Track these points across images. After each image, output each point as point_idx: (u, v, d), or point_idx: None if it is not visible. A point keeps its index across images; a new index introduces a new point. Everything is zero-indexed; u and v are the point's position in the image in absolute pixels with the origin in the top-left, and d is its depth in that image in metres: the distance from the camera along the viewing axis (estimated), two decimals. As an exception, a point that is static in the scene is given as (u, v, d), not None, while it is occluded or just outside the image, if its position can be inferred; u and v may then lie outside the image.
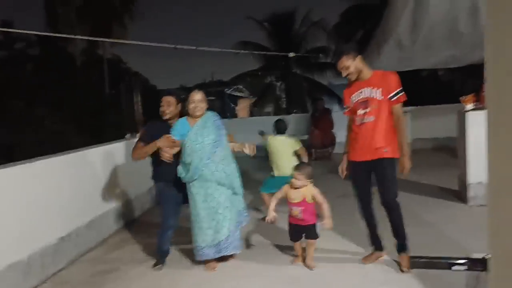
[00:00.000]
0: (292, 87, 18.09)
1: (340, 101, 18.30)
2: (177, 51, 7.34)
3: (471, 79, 11.04)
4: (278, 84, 19.49)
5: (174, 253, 3.80)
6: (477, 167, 4.44)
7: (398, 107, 2.98)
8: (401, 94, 2.97)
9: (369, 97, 3.00)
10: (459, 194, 4.92)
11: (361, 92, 3.05)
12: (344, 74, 3.05)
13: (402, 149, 2.96)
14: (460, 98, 4.87)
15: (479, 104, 4.74)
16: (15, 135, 12.73)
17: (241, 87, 26.21)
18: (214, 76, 26.58)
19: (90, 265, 3.69)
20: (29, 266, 3.20)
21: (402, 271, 3.03)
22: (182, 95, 3.72)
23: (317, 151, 8.68)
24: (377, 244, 3.27)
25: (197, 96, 3.29)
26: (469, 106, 4.70)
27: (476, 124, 4.44)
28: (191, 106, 3.27)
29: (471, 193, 4.56)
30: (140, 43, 7.84)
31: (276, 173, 4.48)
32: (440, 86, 14.18)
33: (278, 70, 18.54)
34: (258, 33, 18.27)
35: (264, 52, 16.97)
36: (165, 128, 3.37)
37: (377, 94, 2.97)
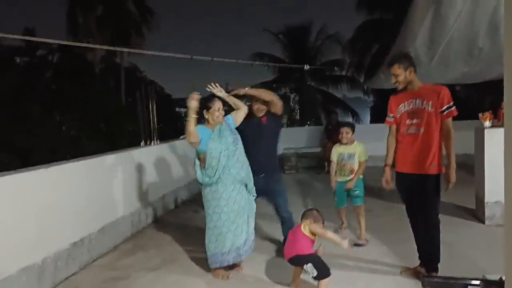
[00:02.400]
0: (306, 99, 18.09)
1: (354, 114, 18.22)
2: (193, 61, 7.41)
3: (489, 95, 10.85)
4: (292, 95, 19.50)
5: (185, 261, 3.81)
6: (495, 185, 4.35)
7: (449, 122, 2.97)
8: (452, 108, 2.96)
9: (420, 108, 3.02)
10: (476, 213, 4.81)
11: (412, 102, 3.06)
12: (393, 81, 3.10)
13: (450, 162, 2.94)
14: (479, 114, 4.80)
15: (497, 122, 4.66)
16: (32, 139, 12.99)
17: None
18: (228, 86, 26.73)
19: (102, 270, 3.71)
20: (43, 270, 3.24)
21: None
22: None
23: (330, 164, 8.62)
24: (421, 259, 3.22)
25: (220, 105, 3.33)
26: (487, 123, 4.62)
27: (494, 142, 4.37)
28: (217, 114, 3.29)
29: (488, 212, 4.46)
30: (157, 53, 7.96)
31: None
32: (457, 102, 13.95)
33: (292, 81, 18.59)
34: (273, 45, 18.41)
35: (279, 64, 17.05)
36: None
37: (428, 106, 2.98)
